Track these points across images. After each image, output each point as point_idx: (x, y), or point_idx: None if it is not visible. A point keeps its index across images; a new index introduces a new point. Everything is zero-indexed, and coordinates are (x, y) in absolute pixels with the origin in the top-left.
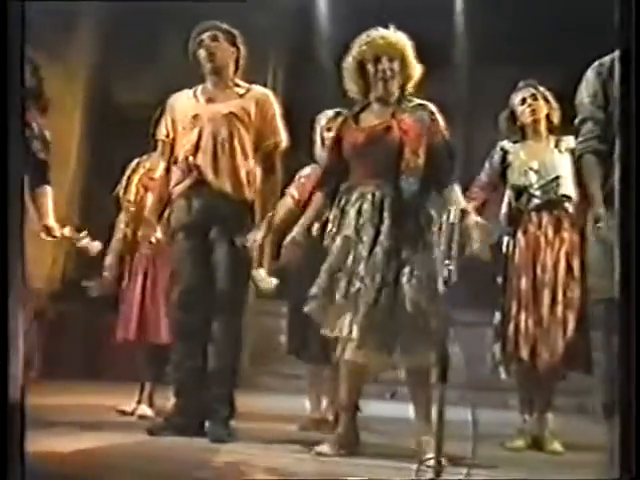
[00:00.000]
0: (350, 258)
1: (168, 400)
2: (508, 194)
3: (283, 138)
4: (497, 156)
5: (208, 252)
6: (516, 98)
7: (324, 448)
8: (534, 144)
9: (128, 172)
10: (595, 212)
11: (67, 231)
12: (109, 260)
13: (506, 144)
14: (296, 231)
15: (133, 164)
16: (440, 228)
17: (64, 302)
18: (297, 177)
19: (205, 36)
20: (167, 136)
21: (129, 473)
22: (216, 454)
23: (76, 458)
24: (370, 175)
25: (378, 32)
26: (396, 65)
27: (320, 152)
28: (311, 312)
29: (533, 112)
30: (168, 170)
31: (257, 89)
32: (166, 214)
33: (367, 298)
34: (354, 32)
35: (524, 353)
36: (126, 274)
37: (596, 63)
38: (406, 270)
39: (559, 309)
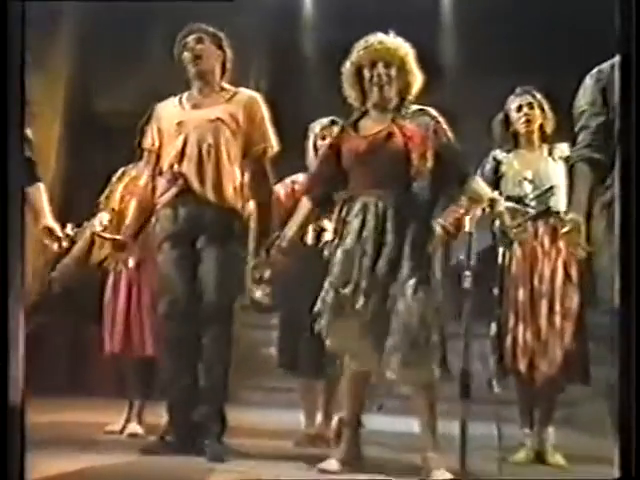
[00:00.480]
0: (355, 271)
1: (158, 417)
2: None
3: (273, 143)
4: (489, 166)
5: (195, 262)
6: (512, 104)
7: (329, 464)
8: (527, 153)
9: (113, 180)
10: (573, 218)
11: (70, 229)
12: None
13: (499, 154)
14: (283, 238)
15: (119, 173)
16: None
17: (44, 314)
18: (287, 180)
19: (190, 39)
20: (153, 145)
21: None
22: (213, 473)
23: None
24: (372, 185)
25: (376, 37)
26: (393, 71)
27: (313, 160)
28: (319, 329)
29: (528, 122)
30: (153, 180)
31: (244, 92)
32: (151, 224)
33: (373, 311)
34: (343, 36)
35: (522, 366)
36: (109, 285)
37: (595, 70)
38: (410, 282)
39: (557, 319)
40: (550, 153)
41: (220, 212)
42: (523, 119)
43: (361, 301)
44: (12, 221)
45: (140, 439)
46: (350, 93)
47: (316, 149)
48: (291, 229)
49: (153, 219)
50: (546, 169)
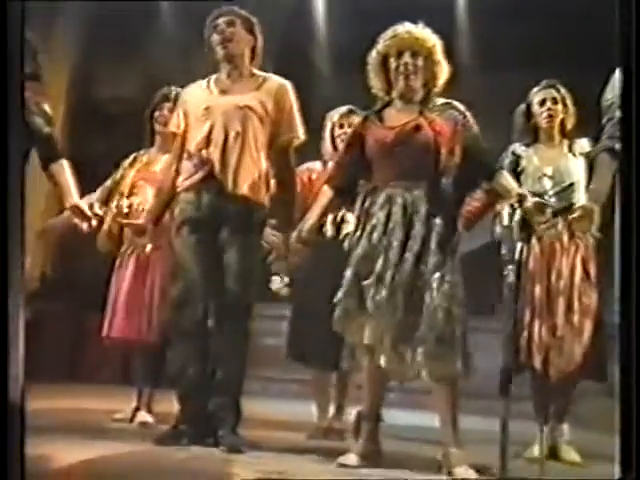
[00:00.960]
0: (379, 263)
1: (168, 406)
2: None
3: (300, 133)
4: (508, 160)
5: (216, 251)
6: (536, 97)
7: (348, 459)
8: (547, 148)
9: (124, 166)
10: (585, 205)
11: (97, 208)
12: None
13: (518, 148)
14: (302, 227)
15: (130, 159)
16: None
17: (44, 301)
18: (302, 166)
19: (221, 21)
20: (178, 128)
21: None
22: (231, 464)
23: (80, 470)
24: (398, 177)
25: (404, 27)
26: (420, 61)
27: (329, 148)
28: (337, 319)
29: (550, 117)
30: (177, 163)
31: (274, 79)
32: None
33: (397, 304)
34: (350, 30)
35: (537, 362)
36: (116, 269)
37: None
38: (436, 276)
39: (575, 317)
40: (570, 149)
41: (243, 202)
42: (545, 114)
43: (384, 293)
44: (12, 220)
45: (150, 428)
46: (375, 83)
47: (333, 138)
48: (311, 218)
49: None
50: (566, 165)
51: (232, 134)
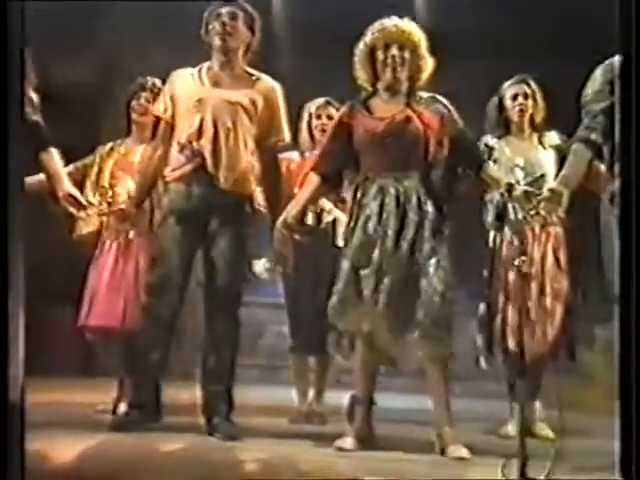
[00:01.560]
0: (376, 253)
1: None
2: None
3: (287, 136)
4: None
5: (202, 242)
6: (508, 91)
7: (344, 442)
8: (517, 140)
9: (101, 155)
10: (554, 187)
11: (91, 197)
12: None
13: (490, 140)
14: (289, 213)
15: (107, 148)
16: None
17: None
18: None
19: (224, 11)
20: (165, 112)
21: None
22: (232, 451)
23: (78, 462)
24: (389, 167)
25: (391, 21)
26: (407, 54)
27: (306, 139)
28: (334, 308)
29: (521, 112)
30: (164, 150)
31: (266, 80)
32: (156, 197)
33: (393, 292)
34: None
35: (511, 343)
36: (95, 257)
37: (606, 62)
38: (432, 262)
39: (547, 301)
40: (540, 141)
41: (233, 195)
42: (517, 108)
43: (384, 281)
44: (12, 220)
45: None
46: (361, 74)
47: (310, 128)
48: (298, 204)
49: (160, 191)
50: (537, 157)
51: (223, 128)
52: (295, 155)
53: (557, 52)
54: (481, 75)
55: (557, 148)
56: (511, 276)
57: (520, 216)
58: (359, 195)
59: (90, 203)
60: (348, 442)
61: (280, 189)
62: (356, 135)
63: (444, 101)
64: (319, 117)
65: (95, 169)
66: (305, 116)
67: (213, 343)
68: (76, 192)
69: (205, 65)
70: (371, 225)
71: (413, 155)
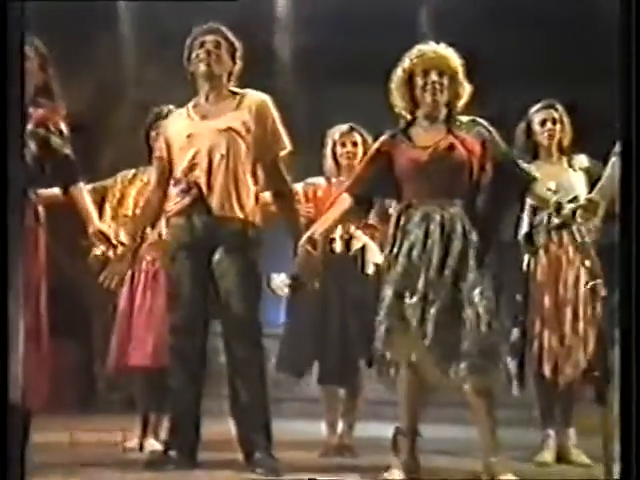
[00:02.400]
0: (421, 281)
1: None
2: (528, 214)
3: (287, 144)
4: None
5: (210, 273)
6: (536, 116)
7: (393, 475)
8: (547, 164)
9: (122, 183)
10: (591, 197)
11: (123, 236)
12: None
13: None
14: (316, 229)
15: (129, 175)
16: None
17: None
18: (308, 180)
19: (208, 39)
20: (161, 158)
21: None
22: None
23: None
24: (433, 195)
25: (430, 46)
26: (445, 80)
27: (331, 166)
28: (381, 338)
29: (550, 137)
30: (160, 188)
31: (252, 95)
32: (163, 234)
33: (439, 321)
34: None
35: (547, 370)
36: (123, 294)
37: None
38: (477, 291)
39: (580, 326)
40: (570, 164)
41: (235, 221)
42: (546, 134)
43: (432, 311)
44: (12, 221)
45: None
46: (398, 102)
47: (335, 155)
48: (327, 222)
49: (164, 228)
50: (568, 179)
51: (217, 157)
52: (321, 180)
53: (582, 74)
54: (507, 100)
55: (587, 170)
56: (547, 300)
57: (555, 239)
58: (402, 221)
59: (121, 243)
60: (396, 474)
61: (293, 198)
62: (398, 164)
63: (484, 123)
64: (344, 145)
65: (117, 195)
66: (329, 143)
67: (238, 374)
68: (108, 230)
69: (192, 102)
70: (415, 252)
71: (457, 182)
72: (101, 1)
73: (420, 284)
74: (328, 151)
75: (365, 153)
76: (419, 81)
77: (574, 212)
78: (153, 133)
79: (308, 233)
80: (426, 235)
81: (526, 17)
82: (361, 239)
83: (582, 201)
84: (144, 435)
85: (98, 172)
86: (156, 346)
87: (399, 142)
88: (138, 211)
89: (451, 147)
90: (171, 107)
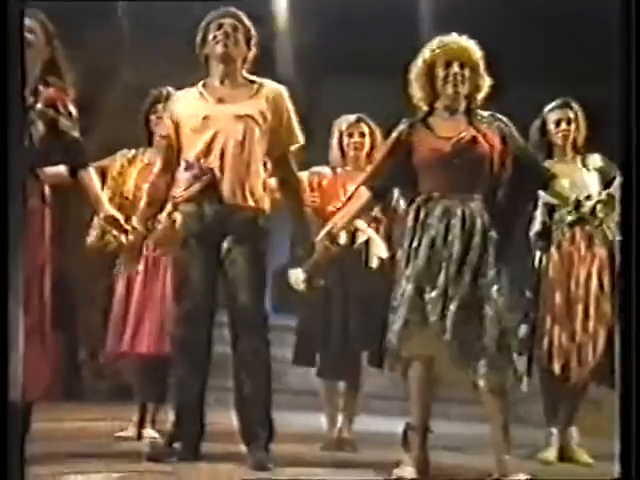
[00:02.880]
0: (442, 277)
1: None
2: (541, 211)
3: (300, 138)
4: None
5: (219, 262)
6: (551, 115)
7: (404, 471)
8: (561, 163)
9: (122, 163)
10: (609, 192)
11: (136, 222)
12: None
13: None
14: (335, 225)
15: (129, 155)
16: None
17: None
18: (313, 169)
19: (226, 22)
20: (168, 138)
21: None
22: None
23: None
24: (455, 188)
25: (451, 37)
26: (467, 72)
27: (337, 156)
28: (398, 332)
29: (565, 137)
30: (165, 172)
31: (269, 85)
32: (170, 220)
33: (459, 318)
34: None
35: (557, 366)
36: (118, 279)
37: None
38: (495, 287)
39: (591, 324)
40: (584, 164)
41: (246, 210)
42: (561, 134)
43: (452, 307)
44: (12, 221)
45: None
46: (417, 92)
47: (341, 145)
48: (347, 217)
49: (174, 214)
50: (582, 178)
51: (232, 143)
52: (327, 170)
53: (597, 74)
54: (521, 97)
55: (600, 170)
56: (558, 297)
57: (568, 236)
58: (422, 215)
59: (133, 227)
60: (408, 471)
61: (301, 193)
62: (418, 153)
63: (504, 119)
64: (351, 135)
65: (116, 176)
66: (336, 133)
67: (243, 365)
68: (119, 215)
69: (202, 82)
70: (437, 247)
71: (478, 176)
72: None
73: (441, 279)
74: (335, 141)
75: (372, 144)
76: (440, 72)
77: (594, 208)
78: (153, 116)
79: (327, 228)
80: (447, 230)
81: (532, 13)
82: (366, 232)
83: (603, 196)
84: (142, 424)
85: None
86: (155, 334)
87: (419, 131)
88: (144, 195)
89: (474, 140)
90: (170, 89)
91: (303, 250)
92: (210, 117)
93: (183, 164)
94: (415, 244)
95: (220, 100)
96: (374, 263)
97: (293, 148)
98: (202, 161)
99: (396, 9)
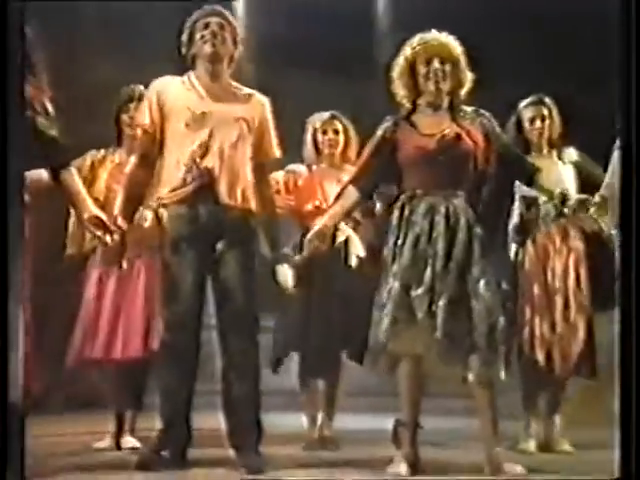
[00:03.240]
0: (427, 273)
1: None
2: (518, 205)
3: (277, 153)
4: None
5: (212, 263)
6: (526, 112)
7: (399, 467)
8: (537, 159)
9: (93, 164)
10: (601, 194)
11: (121, 221)
12: None
13: None
14: (325, 225)
15: (98, 155)
16: None
17: None
18: (288, 167)
19: (213, 20)
20: (151, 124)
21: None
22: None
23: None
24: (437, 185)
25: (431, 35)
26: (448, 68)
27: (311, 153)
28: (386, 330)
29: (540, 135)
30: (144, 165)
31: (257, 96)
32: (156, 219)
33: (448, 314)
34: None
35: (540, 357)
36: (89, 281)
37: None
38: (482, 283)
39: (571, 314)
40: (560, 157)
41: (239, 212)
42: (535, 132)
43: (440, 303)
44: (12, 221)
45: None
46: (400, 90)
47: (316, 142)
48: (336, 216)
49: (160, 212)
50: (557, 172)
51: (227, 144)
52: (302, 168)
53: (572, 69)
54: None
55: (576, 164)
56: (536, 289)
57: (543, 229)
58: (407, 212)
59: (119, 227)
60: (403, 468)
61: (272, 204)
62: (403, 151)
63: (487, 114)
64: (325, 132)
65: (88, 177)
66: (310, 130)
67: (232, 367)
68: (102, 215)
69: (191, 75)
70: (421, 244)
71: (462, 173)
72: None
73: (427, 276)
74: (308, 138)
75: (346, 142)
76: (421, 69)
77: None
78: (124, 115)
79: (318, 227)
80: (431, 226)
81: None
82: (345, 231)
83: (596, 198)
84: (120, 433)
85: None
86: (130, 339)
87: (403, 129)
88: (121, 190)
89: (458, 137)
90: (141, 87)
91: (291, 249)
92: (208, 114)
93: (175, 163)
94: (400, 242)
95: (217, 98)
96: (353, 262)
97: (268, 160)
98: (198, 161)
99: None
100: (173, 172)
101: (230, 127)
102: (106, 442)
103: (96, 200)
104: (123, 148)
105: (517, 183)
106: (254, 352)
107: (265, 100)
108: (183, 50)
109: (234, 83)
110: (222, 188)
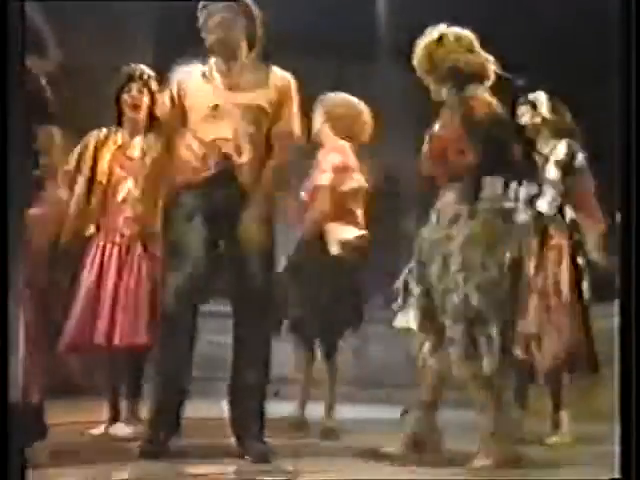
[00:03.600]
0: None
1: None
2: None
3: (297, 131)
4: None
5: (229, 247)
6: (517, 111)
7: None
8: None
9: (94, 144)
10: None
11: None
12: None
13: None
14: None
15: (101, 136)
16: None
17: None
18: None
19: (221, 6)
20: (171, 114)
21: None
22: (262, 475)
23: None
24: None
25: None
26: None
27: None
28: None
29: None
30: (168, 155)
31: (277, 73)
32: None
33: (429, 305)
34: None
35: (519, 351)
36: (89, 266)
37: None
38: (461, 277)
39: (552, 312)
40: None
41: (259, 194)
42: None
43: (455, 299)
44: (12, 221)
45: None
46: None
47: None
48: None
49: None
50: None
51: (246, 132)
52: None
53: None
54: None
55: (561, 162)
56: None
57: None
58: None
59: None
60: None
61: (285, 181)
62: None
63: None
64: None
65: (88, 161)
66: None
67: (246, 357)
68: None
69: (211, 63)
70: (429, 242)
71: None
72: None
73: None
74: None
75: None
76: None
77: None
78: (125, 95)
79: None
80: (438, 224)
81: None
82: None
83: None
84: (114, 419)
85: None
86: (131, 325)
87: None
88: (148, 173)
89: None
90: (142, 67)
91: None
92: (223, 105)
93: (196, 149)
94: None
95: (231, 87)
96: (334, 249)
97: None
98: (217, 150)
99: None
100: (193, 160)
101: (248, 116)
102: (100, 429)
103: (99, 183)
104: (125, 129)
105: None
106: (265, 339)
107: (286, 77)
108: (202, 34)
109: (256, 62)
110: (240, 173)
